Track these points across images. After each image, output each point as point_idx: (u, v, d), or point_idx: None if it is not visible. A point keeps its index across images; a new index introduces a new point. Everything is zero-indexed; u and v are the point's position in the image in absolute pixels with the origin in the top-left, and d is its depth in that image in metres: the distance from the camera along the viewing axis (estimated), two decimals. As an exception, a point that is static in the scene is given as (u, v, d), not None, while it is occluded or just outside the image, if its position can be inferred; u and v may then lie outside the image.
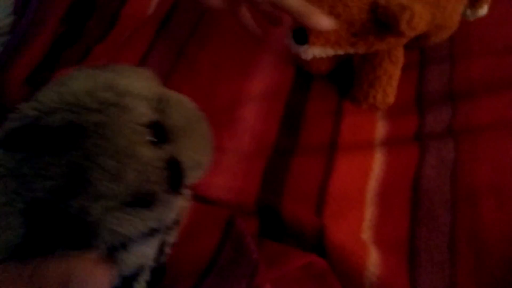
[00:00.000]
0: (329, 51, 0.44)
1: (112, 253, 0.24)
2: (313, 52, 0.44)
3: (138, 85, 0.27)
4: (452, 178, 0.46)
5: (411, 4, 0.39)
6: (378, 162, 0.48)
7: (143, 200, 0.24)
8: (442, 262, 0.41)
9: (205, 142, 0.31)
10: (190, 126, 0.30)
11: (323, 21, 0.41)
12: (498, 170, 0.46)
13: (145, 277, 0.27)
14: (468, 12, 0.52)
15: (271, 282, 0.38)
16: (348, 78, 0.54)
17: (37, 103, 0.24)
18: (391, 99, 0.52)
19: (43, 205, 0.22)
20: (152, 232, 0.26)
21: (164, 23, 0.63)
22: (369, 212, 0.44)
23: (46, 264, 0.22)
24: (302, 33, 0.43)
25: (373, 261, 0.40)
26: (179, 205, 0.28)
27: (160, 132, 0.27)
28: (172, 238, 0.29)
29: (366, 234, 0.43)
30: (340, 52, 0.45)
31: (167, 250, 0.29)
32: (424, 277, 0.40)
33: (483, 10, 0.52)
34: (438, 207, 0.44)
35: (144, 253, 0.26)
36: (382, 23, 0.42)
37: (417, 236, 0.43)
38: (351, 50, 0.45)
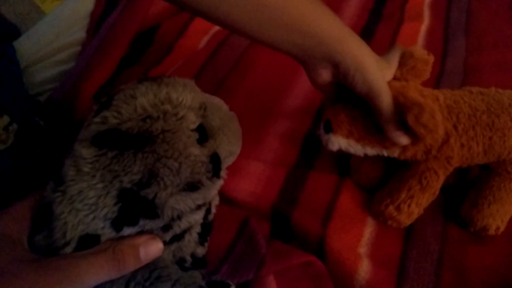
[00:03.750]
0: (356, 146, 0.45)
1: (171, 222, 0.33)
2: (337, 141, 0.45)
3: (187, 97, 0.35)
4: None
5: (427, 101, 0.39)
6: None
7: (193, 186, 0.33)
8: (428, 282, 0.46)
9: (237, 135, 0.40)
10: (224, 125, 0.38)
11: (400, 137, 0.43)
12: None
13: (196, 230, 0.37)
14: None
15: (274, 274, 0.45)
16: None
17: (117, 113, 0.33)
18: (403, 218, 0.48)
19: (129, 191, 0.31)
20: (199, 207, 0.35)
21: (211, 57, 0.74)
22: (368, 232, 0.51)
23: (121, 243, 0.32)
24: (329, 123, 0.46)
25: (365, 268, 0.46)
26: (219, 184, 0.37)
27: (203, 133, 0.35)
28: (216, 201, 0.40)
29: (363, 249, 0.49)
30: (371, 150, 0.46)
31: (213, 210, 0.40)
32: (409, 291, 0.46)
33: None
34: (430, 236, 0.50)
35: (193, 219, 0.35)
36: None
37: (408, 257, 0.48)
38: (383, 151, 0.45)
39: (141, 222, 0.32)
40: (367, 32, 0.81)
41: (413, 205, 0.48)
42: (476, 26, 0.79)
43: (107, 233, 0.32)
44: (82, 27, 0.78)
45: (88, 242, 0.31)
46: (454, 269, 0.47)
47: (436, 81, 0.68)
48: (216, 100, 0.40)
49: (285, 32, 0.41)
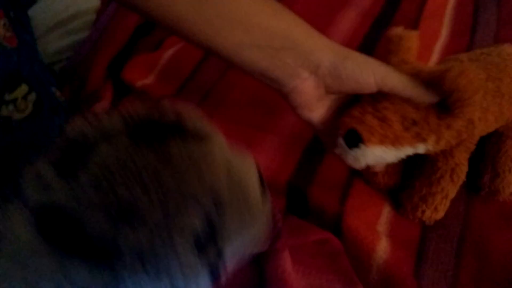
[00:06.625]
0: (391, 152, 0.38)
1: None
2: (371, 152, 0.37)
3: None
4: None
5: (460, 65, 0.35)
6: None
7: None
8: (448, 264, 0.45)
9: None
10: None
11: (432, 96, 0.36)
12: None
13: None
14: None
15: (290, 250, 0.44)
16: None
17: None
18: (440, 215, 0.47)
19: None
20: None
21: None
22: (387, 211, 0.49)
23: None
24: (354, 134, 0.37)
25: (383, 248, 0.45)
26: None
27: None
28: None
29: (381, 228, 0.48)
30: (406, 150, 0.39)
31: None
32: (428, 272, 0.44)
33: None
34: (451, 217, 0.48)
35: None
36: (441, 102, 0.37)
37: (427, 238, 0.47)
38: (419, 147, 0.39)
39: None
40: (392, 4, 0.77)
41: (448, 201, 0.47)
42: (508, -2, 0.75)
43: None
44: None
45: None
46: (475, 253, 0.46)
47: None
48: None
49: (243, 31, 0.34)
